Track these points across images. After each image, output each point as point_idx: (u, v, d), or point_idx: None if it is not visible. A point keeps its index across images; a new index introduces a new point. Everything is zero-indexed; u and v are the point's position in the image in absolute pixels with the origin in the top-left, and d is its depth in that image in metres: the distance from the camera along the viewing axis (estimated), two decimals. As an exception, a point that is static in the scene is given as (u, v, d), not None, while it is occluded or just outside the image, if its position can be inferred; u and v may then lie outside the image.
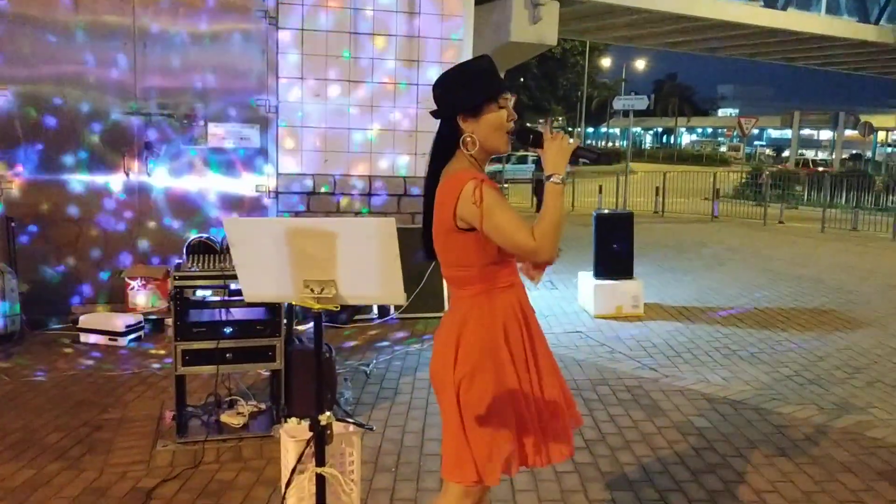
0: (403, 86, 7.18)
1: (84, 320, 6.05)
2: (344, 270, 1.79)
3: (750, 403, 4.94)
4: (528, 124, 2.36)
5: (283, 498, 1.91)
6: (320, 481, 1.85)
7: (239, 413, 4.28)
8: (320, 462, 1.83)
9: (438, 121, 2.33)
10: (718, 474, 3.87)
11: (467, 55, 7.45)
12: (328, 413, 1.83)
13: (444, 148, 2.30)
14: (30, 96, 6.41)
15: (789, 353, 6.20)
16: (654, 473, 3.88)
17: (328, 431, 1.84)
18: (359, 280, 1.82)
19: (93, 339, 5.95)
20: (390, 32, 7.11)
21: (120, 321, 6.00)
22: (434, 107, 2.32)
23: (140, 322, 6.17)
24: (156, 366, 5.45)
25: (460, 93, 2.25)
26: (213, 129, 6.80)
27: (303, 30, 6.89)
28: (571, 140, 2.21)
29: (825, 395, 5.15)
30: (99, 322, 6.01)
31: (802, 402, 5.00)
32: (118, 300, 6.51)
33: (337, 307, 1.82)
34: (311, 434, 1.82)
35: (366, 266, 1.81)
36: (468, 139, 2.24)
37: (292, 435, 1.90)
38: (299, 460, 1.85)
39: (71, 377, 5.16)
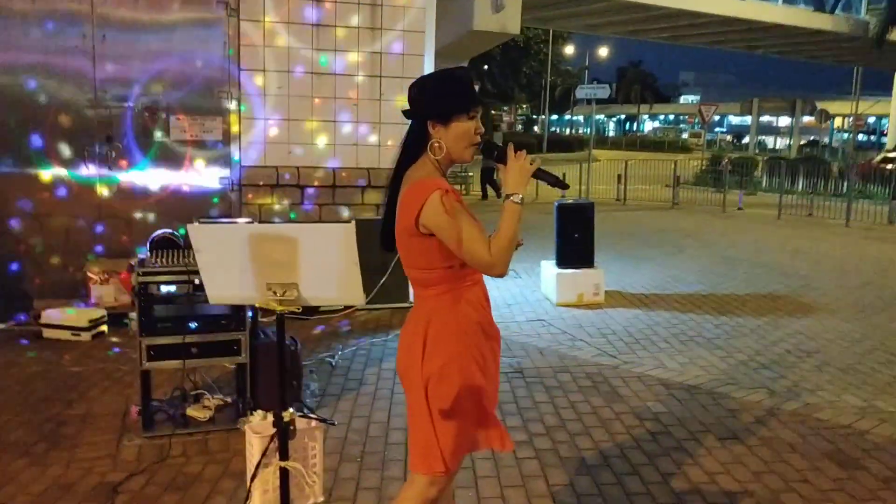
0: (366, 77, 7.20)
1: (46, 315, 6.01)
2: (305, 273, 1.87)
3: (705, 388, 5.11)
4: (494, 141, 2.41)
5: (249, 491, 1.98)
6: (284, 475, 1.92)
7: (205, 407, 4.32)
8: (284, 456, 1.91)
9: (409, 120, 2.40)
10: (673, 457, 4.01)
11: (430, 47, 7.50)
12: (291, 410, 1.90)
13: (412, 149, 2.36)
14: (-14, 88, 6.33)
15: (744, 338, 6.40)
16: (611, 458, 4.01)
17: (291, 427, 1.91)
18: (320, 282, 1.90)
19: (55, 334, 5.92)
20: (352, 24, 7.12)
21: (82, 316, 5.97)
22: (407, 105, 2.39)
23: (103, 317, 6.15)
24: (120, 361, 5.44)
25: (434, 99, 2.32)
26: (175, 121, 6.77)
27: (264, 21, 6.88)
28: (533, 162, 2.28)
29: (777, 378, 5.34)
30: (61, 317, 5.97)
31: (754, 386, 5.17)
32: (80, 295, 6.47)
33: (299, 308, 1.88)
34: (275, 430, 1.89)
35: (326, 269, 1.88)
36: (435, 144, 2.31)
37: (257, 431, 1.97)
38: (264, 455, 1.92)
39: (34, 373, 5.15)
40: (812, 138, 50.31)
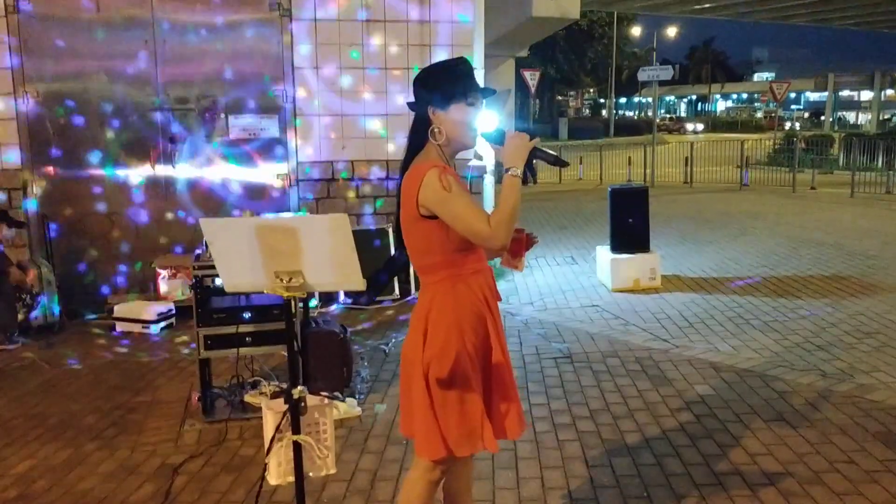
0: (416, 70, 7.32)
1: (117, 310, 6.37)
2: (308, 262, 2.01)
3: (756, 371, 5.06)
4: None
5: (266, 464, 2.13)
6: (297, 448, 2.07)
7: (261, 393, 4.53)
8: (296, 430, 2.05)
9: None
10: (715, 439, 4.02)
11: (479, 38, 7.58)
12: (301, 387, 2.04)
13: (417, 139, 2.45)
14: (56, 94, 6.71)
15: (801, 320, 6.28)
16: (653, 440, 4.04)
17: (301, 403, 2.05)
18: (321, 269, 2.03)
19: (126, 327, 6.27)
20: (401, 18, 7.25)
21: (151, 310, 6.30)
22: (413, 99, 2.49)
23: (170, 310, 6.47)
24: (185, 351, 5.74)
25: (434, 86, 2.41)
26: (233, 120, 7.04)
27: (315, 20, 7.08)
28: (531, 140, 2.34)
29: (831, 360, 5.25)
30: (131, 311, 6.32)
31: (807, 368, 5.10)
32: (149, 290, 6.82)
33: (304, 294, 2.02)
34: (286, 406, 2.04)
35: (326, 257, 2.02)
36: (435, 130, 2.39)
37: (270, 407, 2.12)
38: (277, 429, 2.07)
39: (105, 364, 5.48)
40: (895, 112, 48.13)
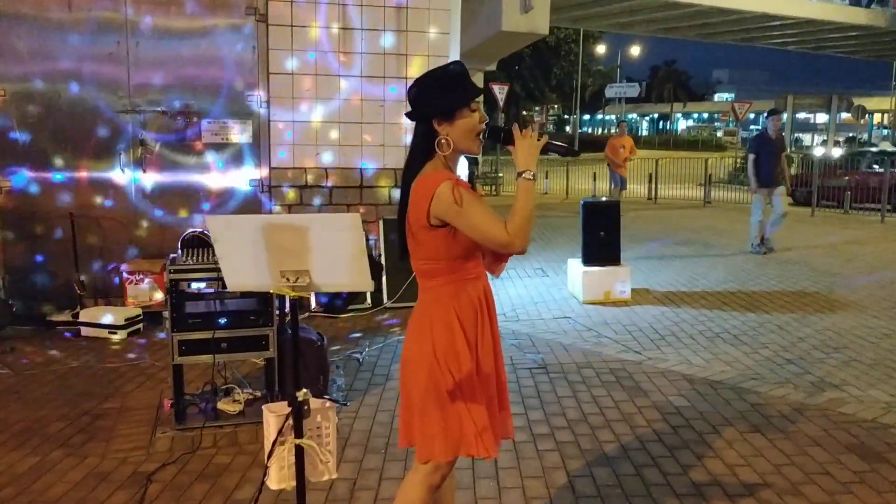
0: (392, 79, 7.31)
1: (83, 315, 6.21)
2: (316, 261, 1.97)
3: (729, 383, 5.11)
4: (498, 125, 2.49)
5: (266, 468, 2.08)
6: (299, 452, 2.03)
7: (235, 400, 4.45)
8: (299, 434, 2.01)
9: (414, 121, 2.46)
10: (693, 450, 4.04)
11: (455, 48, 7.59)
12: (304, 390, 2.00)
13: (421, 149, 2.42)
14: (24, 95, 6.54)
15: (770, 334, 6.37)
16: (631, 450, 4.05)
17: (305, 406, 2.01)
18: (330, 269, 2.00)
19: (93, 332, 6.12)
20: (378, 27, 7.24)
21: (119, 315, 6.16)
22: (409, 108, 2.46)
23: (139, 315, 6.33)
24: (154, 357, 5.61)
25: (435, 99, 2.37)
26: (206, 124, 6.94)
27: (291, 26, 7.03)
28: (540, 136, 2.33)
29: (802, 374, 5.33)
30: (98, 316, 6.17)
31: (779, 381, 5.17)
32: (117, 294, 6.67)
33: (309, 294, 1.98)
34: (289, 409, 2.00)
35: (335, 257, 1.98)
36: (443, 141, 2.36)
37: (273, 410, 2.07)
38: (280, 433, 2.02)
39: (72, 369, 5.33)
40: (850, 135, 49.37)
